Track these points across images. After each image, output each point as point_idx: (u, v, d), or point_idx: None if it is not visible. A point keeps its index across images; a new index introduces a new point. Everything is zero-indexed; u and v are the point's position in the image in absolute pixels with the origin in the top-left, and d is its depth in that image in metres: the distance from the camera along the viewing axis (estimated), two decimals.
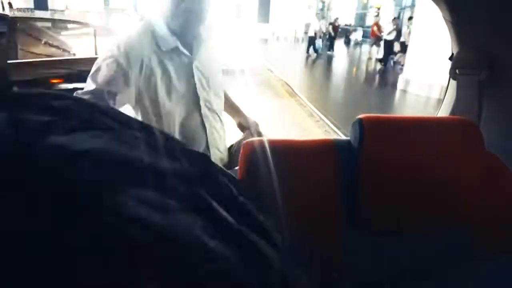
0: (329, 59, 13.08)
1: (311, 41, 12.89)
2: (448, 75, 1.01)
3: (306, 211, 0.65)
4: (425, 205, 0.65)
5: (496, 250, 0.69)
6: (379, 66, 10.92)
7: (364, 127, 0.63)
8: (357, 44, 22.91)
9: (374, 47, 11.93)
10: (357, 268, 0.65)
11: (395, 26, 10.43)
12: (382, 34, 11.20)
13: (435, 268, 0.67)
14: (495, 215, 0.70)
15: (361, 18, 29.47)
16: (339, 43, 23.28)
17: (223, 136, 1.27)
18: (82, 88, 1.03)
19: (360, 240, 0.66)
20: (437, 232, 0.67)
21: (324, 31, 15.03)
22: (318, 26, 13.27)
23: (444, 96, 1.11)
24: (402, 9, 21.87)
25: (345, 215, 0.65)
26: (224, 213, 0.19)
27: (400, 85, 8.05)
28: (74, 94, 0.96)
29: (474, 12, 0.92)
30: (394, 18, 11.21)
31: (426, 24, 6.57)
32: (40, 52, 3.19)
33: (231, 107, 1.37)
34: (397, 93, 7.82)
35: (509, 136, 0.90)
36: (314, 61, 12.53)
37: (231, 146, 1.34)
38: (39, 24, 3.80)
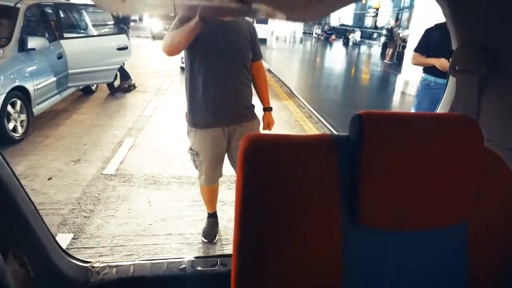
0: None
1: None
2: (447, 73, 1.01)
3: (305, 206, 0.64)
4: (425, 202, 0.64)
5: (494, 249, 0.69)
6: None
7: (363, 123, 0.63)
8: (356, 44, 22.93)
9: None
10: (356, 265, 0.65)
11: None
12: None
13: (434, 266, 0.67)
14: (493, 212, 0.69)
15: (359, 18, 29.50)
16: (338, 44, 23.32)
17: None
18: None
19: (359, 237, 0.65)
20: (436, 229, 0.67)
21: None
22: None
23: (443, 93, 1.11)
24: (401, 10, 21.90)
25: (344, 211, 0.65)
26: None
27: (398, 87, 8.01)
28: None
29: (474, 8, 0.91)
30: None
31: (424, 24, 6.55)
32: None
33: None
34: (396, 95, 7.83)
35: (508, 133, 0.90)
36: (312, 62, 12.51)
37: None
38: None
